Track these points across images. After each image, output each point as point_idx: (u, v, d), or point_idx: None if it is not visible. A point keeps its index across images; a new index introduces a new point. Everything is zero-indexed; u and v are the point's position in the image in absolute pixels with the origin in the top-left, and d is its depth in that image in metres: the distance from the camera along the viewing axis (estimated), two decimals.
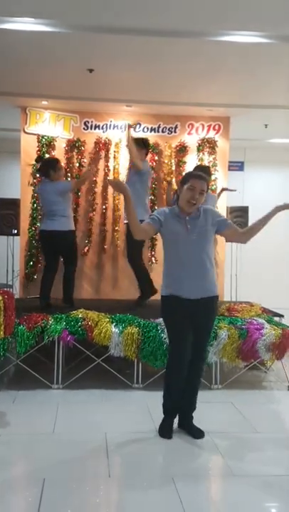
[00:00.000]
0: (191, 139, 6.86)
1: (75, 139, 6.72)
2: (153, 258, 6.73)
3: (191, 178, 3.69)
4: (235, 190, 6.65)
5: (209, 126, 6.86)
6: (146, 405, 4.38)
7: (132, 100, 6.30)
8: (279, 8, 3.93)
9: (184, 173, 6.65)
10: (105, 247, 6.73)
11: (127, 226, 4.98)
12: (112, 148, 6.75)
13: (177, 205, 3.73)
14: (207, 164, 6.75)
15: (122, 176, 6.48)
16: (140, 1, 3.89)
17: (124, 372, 4.88)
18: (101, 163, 6.75)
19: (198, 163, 6.68)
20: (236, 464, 3.34)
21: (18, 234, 6.53)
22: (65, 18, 4.22)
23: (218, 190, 6.73)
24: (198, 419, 3.87)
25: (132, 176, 5.67)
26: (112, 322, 4.80)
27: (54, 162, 5.71)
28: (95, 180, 6.71)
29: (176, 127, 6.84)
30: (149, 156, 6.70)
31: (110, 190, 6.62)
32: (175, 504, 2.82)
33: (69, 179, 6.37)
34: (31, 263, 6.53)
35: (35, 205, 6.50)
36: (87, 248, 6.70)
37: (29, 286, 6.52)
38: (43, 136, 6.61)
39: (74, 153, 6.71)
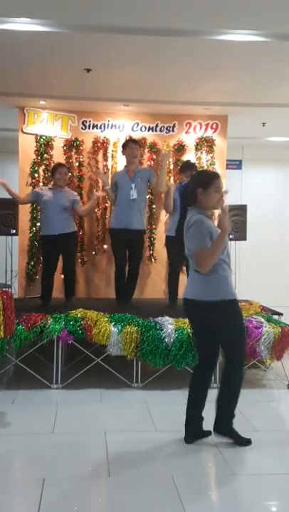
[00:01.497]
0: (189, 138, 6.86)
1: (73, 138, 6.71)
2: (152, 257, 6.75)
3: (213, 179, 3.54)
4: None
5: (207, 125, 6.86)
6: (146, 404, 4.38)
7: (129, 99, 6.30)
8: (276, 6, 3.92)
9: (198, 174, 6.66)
10: (105, 246, 6.74)
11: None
12: (110, 148, 6.75)
13: (197, 206, 3.55)
14: (205, 163, 6.76)
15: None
16: (137, 1, 3.89)
17: (124, 371, 4.89)
18: (100, 163, 6.74)
19: (196, 163, 6.68)
20: (236, 463, 3.35)
21: (16, 234, 6.53)
22: (62, 18, 4.21)
23: None
24: None
25: (143, 186, 5.80)
26: (111, 321, 4.81)
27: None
28: (96, 179, 6.71)
29: (173, 126, 6.84)
30: (147, 155, 6.72)
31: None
32: (175, 503, 2.82)
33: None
34: (32, 263, 6.54)
35: (34, 205, 6.50)
36: (89, 248, 6.72)
37: (31, 286, 6.53)
38: (41, 136, 6.60)
39: (72, 153, 6.72)
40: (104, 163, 6.74)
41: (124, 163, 6.05)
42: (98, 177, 6.31)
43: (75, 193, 6.05)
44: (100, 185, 6.47)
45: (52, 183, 5.97)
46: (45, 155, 6.59)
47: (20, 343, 4.62)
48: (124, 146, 5.99)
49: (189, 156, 6.81)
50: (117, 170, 6.64)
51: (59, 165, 5.97)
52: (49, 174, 6.44)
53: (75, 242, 6.13)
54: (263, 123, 7.31)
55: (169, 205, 5.77)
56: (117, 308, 5.26)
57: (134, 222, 5.75)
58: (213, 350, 3.68)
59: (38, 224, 6.46)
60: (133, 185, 5.74)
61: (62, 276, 6.02)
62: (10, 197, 5.94)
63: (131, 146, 5.87)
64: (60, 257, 5.88)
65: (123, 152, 5.98)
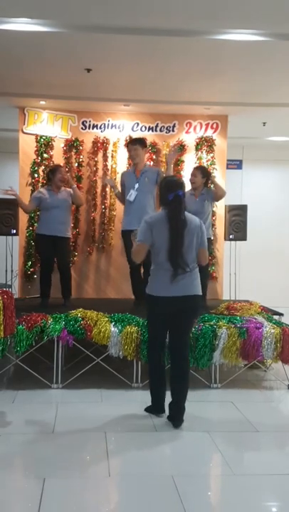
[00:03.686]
0: (189, 138, 6.86)
1: (73, 138, 6.72)
2: None
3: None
4: None
5: (207, 125, 6.86)
6: (146, 405, 4.37)
7: (129, 99, 6.31)
8: (276, 6, 3.93)
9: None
10: (104, 246, 6.75)
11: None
12: (110, 148, 6.75)
13: None
14: (205, 163, 6.76)
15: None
16: (137, 1, 3.89)
17: (124, 371, 4.88)
18: (99, 163, 6.75)
19: (197, 163, 6.68)
20: (236, 463, 3.34)
21: (16, 234, 6.53)
22: (63, 18, 4.22)
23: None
24: (199, 418, 3.88)
25: (150, 186, 5.58)
26: (111, 321, 4.81)
27: None
28: (95, 179, 6.72)
29: (174, 126, 6.84)
30: (147, 155, 6.71)
31: (109, 189, 6.62)
32: (175, 503, 2.82)
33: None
34: (30, 263, 6.55)
35: None
36: (90, 248, 6.73)
37: (30, 285, 6.53)
38: (41, 136, 6.61)
39: (72, 153, 6.72)
40: (104, 163, 6.75)
41: (126, 163, 6.02)
42: (106, 183, 6.25)
43: (68, 188, 6.05)
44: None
45: (49, 184, 5.87)
46: (45, 155, 6.59)
47: (22, 346, 4.60)
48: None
49: (189, 156, 6.82)
50: (116, 170, 6.65)
51: (59, 166, 6.01)
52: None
53: (69, 246, 6.15)
54: (264, 123, 7.31)
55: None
56: (116, 308, 5.24)
57: (137, 223, 5.54)
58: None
59: (36, 224, 6.45)
60: (136, 186, 5.54)
61: (59, 276, 5.99)
62: (10, 197, 5.93)
63: (129, 148, 5.81)
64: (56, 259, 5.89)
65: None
